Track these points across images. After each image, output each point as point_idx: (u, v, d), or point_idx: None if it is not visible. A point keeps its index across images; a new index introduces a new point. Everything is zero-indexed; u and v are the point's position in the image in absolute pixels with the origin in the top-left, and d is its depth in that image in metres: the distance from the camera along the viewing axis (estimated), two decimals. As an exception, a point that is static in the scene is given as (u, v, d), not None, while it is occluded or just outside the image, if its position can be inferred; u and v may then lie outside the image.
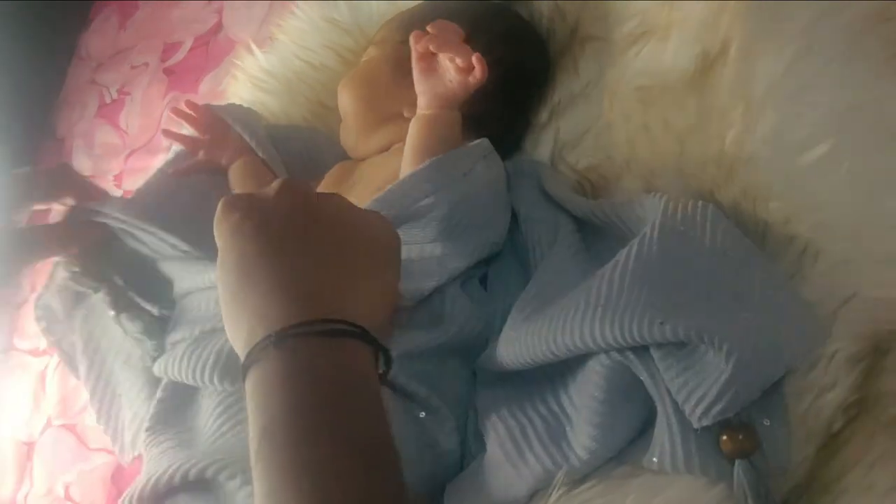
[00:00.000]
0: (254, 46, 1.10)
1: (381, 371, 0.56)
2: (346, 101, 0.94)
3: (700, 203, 0.69)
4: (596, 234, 0.79)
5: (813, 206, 0.64)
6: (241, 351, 0.55)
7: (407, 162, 0.81)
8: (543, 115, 0.91)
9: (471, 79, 0.78)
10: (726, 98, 0.73)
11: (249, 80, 1.08)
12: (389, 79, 0.91)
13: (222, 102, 1.12)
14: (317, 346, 0.53)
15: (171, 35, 1.57)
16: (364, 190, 0.88)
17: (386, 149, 0.93)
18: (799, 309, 0.60)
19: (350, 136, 0.95)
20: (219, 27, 1.50)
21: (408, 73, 0.84)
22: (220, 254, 0.59)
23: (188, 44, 1.53)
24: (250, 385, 0.53)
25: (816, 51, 0.71)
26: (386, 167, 0.89)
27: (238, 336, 0.55)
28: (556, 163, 0.88)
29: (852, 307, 0.63)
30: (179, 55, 1.53)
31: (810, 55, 0.71)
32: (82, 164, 1.56)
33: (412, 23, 0.91)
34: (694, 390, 0.59)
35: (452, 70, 0.78)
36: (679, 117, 0.77)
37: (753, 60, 0.73)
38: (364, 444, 0.50)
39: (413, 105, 0.85)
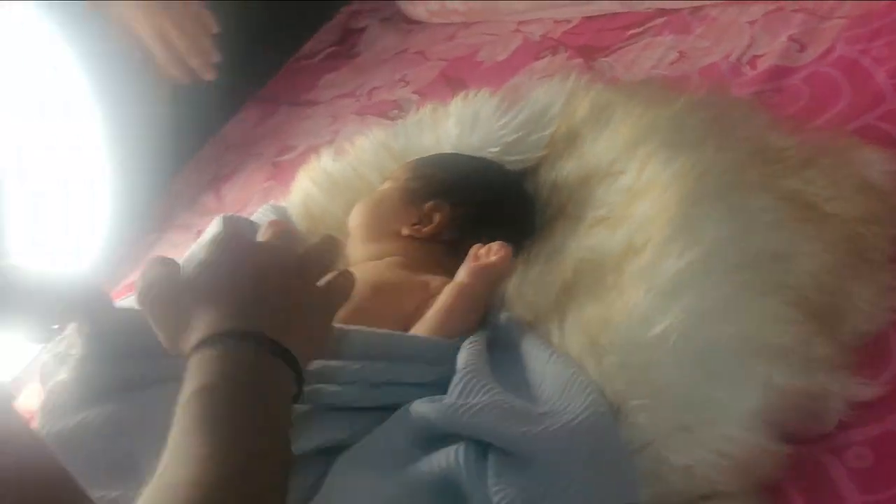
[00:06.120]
0: (327, 151, 1.33)
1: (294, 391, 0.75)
2: (358, 217, 1.17)
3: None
4: None
5: (637, 366, 0.77)
6: (201, 333, 0.73)
7: (431, 316, 0.98)
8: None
9: (497, 259, 1.00)
10: (629, 282, 0.87)
11: (310, 172, 1.30)
12: (397, 204, 1.14)
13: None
14: (261, 353, 0.72)
15: (290, 139, 1.84)
16: None
17: (380, 258, 1.12)
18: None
19: (355, 244, 1.16)
20: (330, 143, 1.75)
21: (411, 200, 1.12)
22: (208, 257, 0.79)
23: (300, 148, 1.78)
24: (197, 358, 0.71)
25: (709, 265, 0.85)
26: (373, 270, 1.08)
27: (202, 322, 0.74)
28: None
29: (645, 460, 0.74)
30: (291, 155, 1.79)
31: (702, 266, 0.85)
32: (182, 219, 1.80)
33: (419, 165, 1.18)
34: None
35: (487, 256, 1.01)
36: (597, 288, 0.91)
37: (660, 258, 0.87)
38: (268, 425, 0.70)
39: (409, 225, 1.11)
